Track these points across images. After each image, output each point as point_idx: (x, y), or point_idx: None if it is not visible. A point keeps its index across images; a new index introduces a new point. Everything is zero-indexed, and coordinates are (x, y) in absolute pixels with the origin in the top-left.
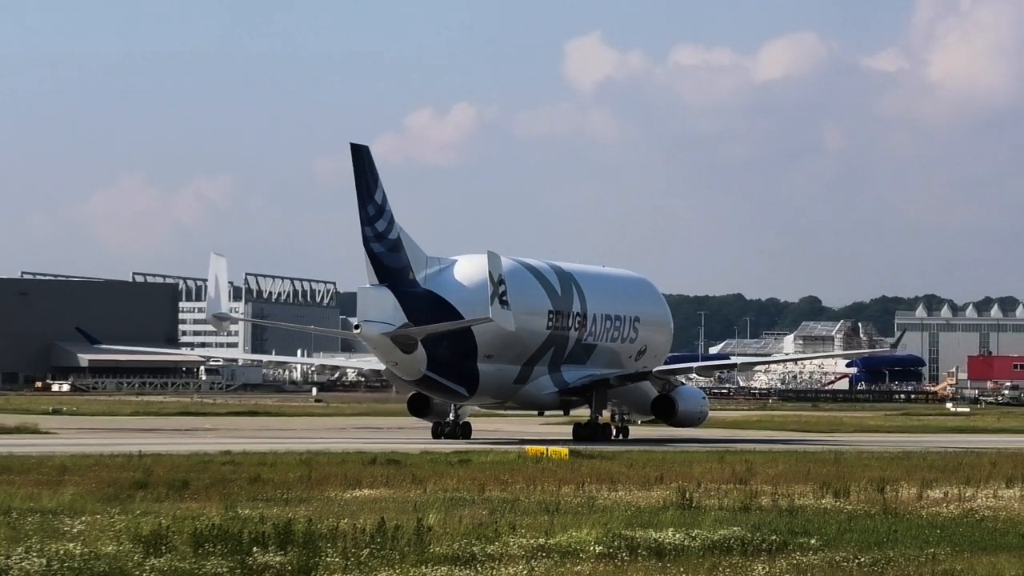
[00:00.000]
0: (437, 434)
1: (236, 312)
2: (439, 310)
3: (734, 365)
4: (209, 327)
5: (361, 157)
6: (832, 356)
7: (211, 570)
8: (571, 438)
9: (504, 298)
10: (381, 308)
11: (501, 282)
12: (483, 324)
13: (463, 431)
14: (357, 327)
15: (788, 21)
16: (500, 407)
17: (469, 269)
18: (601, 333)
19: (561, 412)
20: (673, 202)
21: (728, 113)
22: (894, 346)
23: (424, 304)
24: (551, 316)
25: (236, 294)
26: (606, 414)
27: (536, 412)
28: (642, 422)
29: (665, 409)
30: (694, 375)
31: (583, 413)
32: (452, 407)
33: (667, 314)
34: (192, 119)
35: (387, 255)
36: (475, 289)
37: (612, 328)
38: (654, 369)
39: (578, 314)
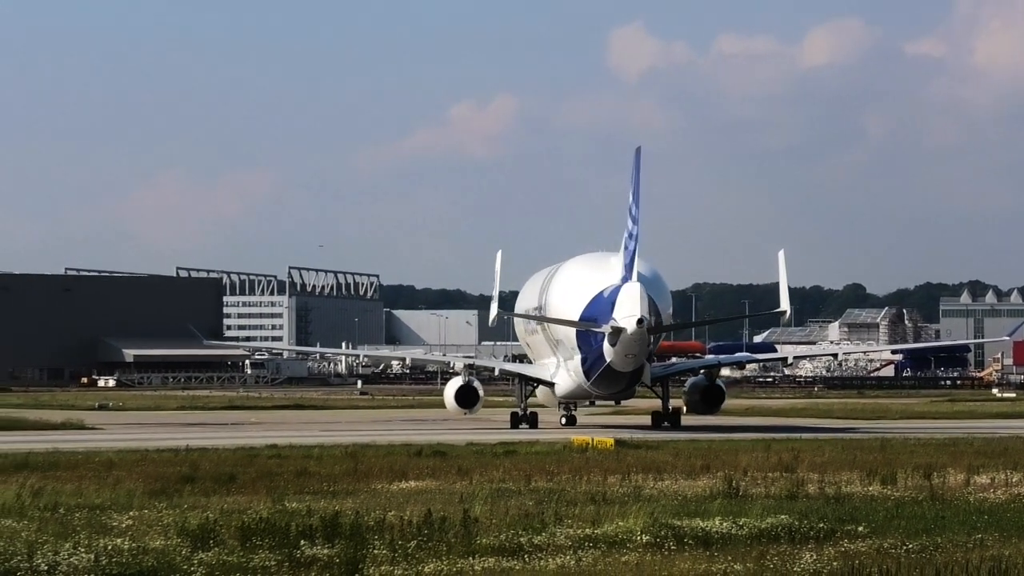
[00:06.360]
0: (516, 423)
1: (280, 305)
2: (650, 305)
3: (784, 358)
4: (252, 320)
5: (639, 158)
6: (882, 349)
7: (259, 563)
8: (650, 425)
9: None
10: (641, 303)
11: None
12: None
13: (533, 421)
14: (640, 320)
15: (832, 7)
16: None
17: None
18: None
19: (588, 403)
20: (716, 190)
21: (772, 101)
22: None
23: (645, 299)
24: None
25: (280, 287)
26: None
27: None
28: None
29: (713, 398)
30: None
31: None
32: (522, 398)
33: None
34: (232, 112)
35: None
36: (654, 283)
37: None
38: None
39: None
